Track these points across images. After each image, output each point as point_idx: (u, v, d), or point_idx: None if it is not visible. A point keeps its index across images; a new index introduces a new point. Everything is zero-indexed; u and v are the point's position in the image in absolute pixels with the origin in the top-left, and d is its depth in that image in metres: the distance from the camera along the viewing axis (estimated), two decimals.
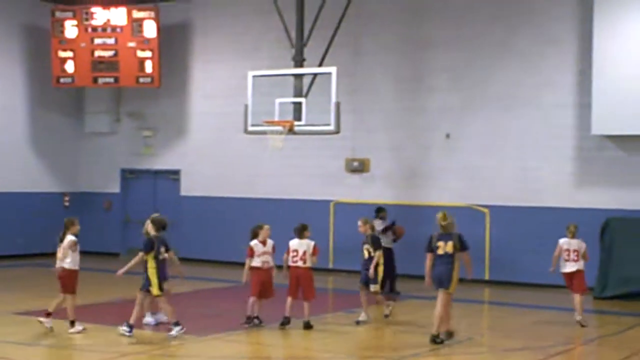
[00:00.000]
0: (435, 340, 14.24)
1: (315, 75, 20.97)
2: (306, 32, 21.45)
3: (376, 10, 23.85)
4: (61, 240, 14.62)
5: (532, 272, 21.80)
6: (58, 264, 14.59)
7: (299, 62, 21.47)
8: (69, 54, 25.81)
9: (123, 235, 27.85)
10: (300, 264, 15.25)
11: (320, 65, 21.24)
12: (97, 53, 25.71)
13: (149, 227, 14.74)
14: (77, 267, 14.69)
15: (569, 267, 17.16)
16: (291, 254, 15.24)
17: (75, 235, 14.69)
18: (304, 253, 15.22)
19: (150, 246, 14.37)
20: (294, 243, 15.31)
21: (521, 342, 14.76)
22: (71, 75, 25.88)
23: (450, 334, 14.58)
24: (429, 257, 14.55)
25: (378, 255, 16.03)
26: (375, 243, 16.16)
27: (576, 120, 21.53)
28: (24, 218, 25.71)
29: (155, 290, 14.39)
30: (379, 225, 20.19)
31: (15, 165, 26.32)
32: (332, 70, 20.02)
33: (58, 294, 14.67)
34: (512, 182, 22.21)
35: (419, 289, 20.38)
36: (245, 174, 25.60)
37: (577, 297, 16.96)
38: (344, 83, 21.62)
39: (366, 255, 16.14)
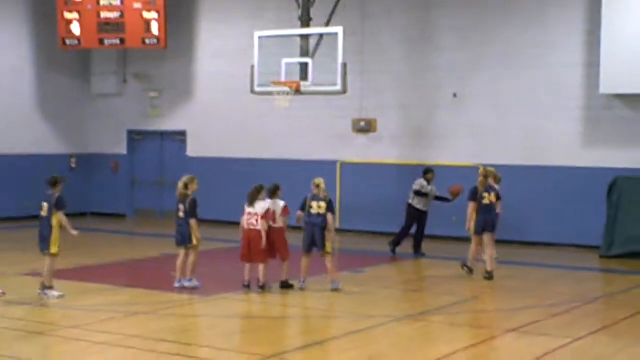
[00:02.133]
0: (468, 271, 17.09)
1: (321, 35, 20.87)
2: None
3: None
4: None
5: (540, 231, 21.85)
6: None
7: (306, 22, 21.37)
8: (75, 15, 25.73)
9: (130, 197, 27.94)
10: (271, 223, 15.16)
11: (327, 25, 21.15)
12: (103, 14, 25.60)
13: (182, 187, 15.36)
14: None
15: None
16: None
17: None
18: (274, 213, 15.15)
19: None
20: (269, 203, 15.17)
21: (528, 301, 14.78)
22: (77, 37, 25.81)
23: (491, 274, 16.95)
24: (472, 205, 16.95)
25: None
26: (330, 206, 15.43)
27: (584, 79, 21.43)
28: (31, 180, 25.72)
29: (53, 248, 14.31)
30: (417, 185, 20.03)
31: (22, 127, 26.34)
32: (339, 30, 19.90)
33: None
34: (520, 141, 22.16)
35: (431, 249, 20.49)
36: (251, 135, 25.58)
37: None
38: (350, 43, 21.53)
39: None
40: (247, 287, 15.18)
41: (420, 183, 20.08)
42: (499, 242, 20.46)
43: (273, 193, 15.32)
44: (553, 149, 21.83)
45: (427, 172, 20.21)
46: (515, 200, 21.76)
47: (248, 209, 15.10)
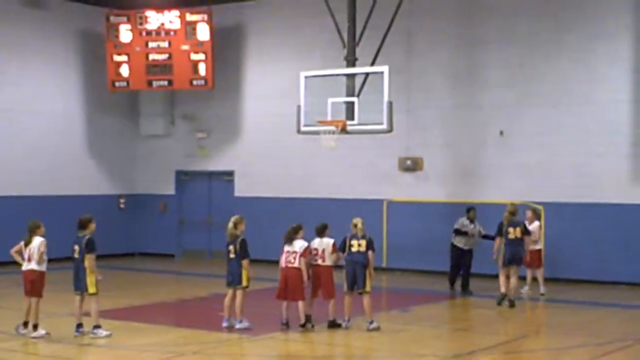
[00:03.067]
0: (501, 302, 17.93)
1: (367, 74, 20.96)
2: (358, 31, 21.44)
3: (428, 8, 23.80)
4: (27, 244, 14.54)
5: (588, 269, 21.62)
6: (27, 266, 14.52)
7: (351, 61, 21.46)
8: (124, 58, 26.09)
9: (178, 237, 28.08)
10: (319, 262, 15.28)
11: (372, 63, 21.21)
12: (152, 56, 25.95)
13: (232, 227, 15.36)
14: (45, 269, 14.65)
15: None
16: (312, 253, 15.28)
17: (43, 237, 14.68)
18: (323, 251, 15.26)
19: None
20: (315, 242, 15.35)
21: (577, 340, 14.61)
22: (126, 79, 26.15)
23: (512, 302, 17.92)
24: (498, 240, 18.32)
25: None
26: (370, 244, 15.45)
27: (632, 115, 21.28)
28: None
29: (90, 288, 14.43)
30: (458, 224, 20.24)
31: (72, 168, 26.66)
32: (384, 69, 19.95)
33: (27, 299, 14.51)
34: (568, 178, 22.00)
35: (479, 288, 20.36)
36: (298, 174, 25.67)
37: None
38: (396, 81, 21.59)
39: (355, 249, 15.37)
40: (286, 325, 15.25)
41: (461, 222, 20.21)
42: (549, 280, 20.38)
43: (321, 232, 15.43)
44: (601, 186, 21.64)
45: (469, 210, 20.44)
46: (565, 238, 21.61)
47: (287, 248, 15.23)
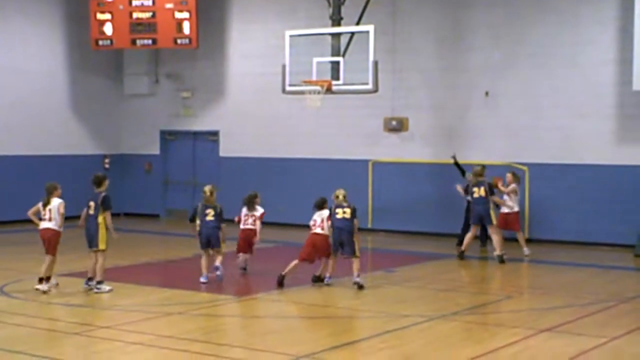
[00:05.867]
0: (462, 255, 19.24)
1: (352, 34, 20.86)
2: None
3: None
4: (45, 205, 14.84)
5: (572, 230, 21.70)
6: (46, 225, 14.85)
7: (337, 20, 21.36)
8: (107, 16, 25.87)
9: (163, 197, 28.04)
10: (319, 230, 15.74)
11: (357, 23, 21.13)
12: (135, 15, 25.72)
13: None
14: (62, 230, 14.99)
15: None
16: (311, 223, 15.87)
17: (60, 198, 14.99)
18: (322, 221, 15.74)
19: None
20: (316, 214, 15.87)
21: (561, 300, 14.70)
22: (110, 38, 25.95)
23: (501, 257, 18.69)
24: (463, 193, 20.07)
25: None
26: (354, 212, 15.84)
27: (617, 76, 21.26)
28: (65, 181, 25.68)
29: (101, 244, 14.87)
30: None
31: (56, 128, 26.53)
32: (370, 28, 19.87)
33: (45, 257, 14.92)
34: (552, 139, 22.01)
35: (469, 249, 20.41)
36: (284, 134, 25.60)
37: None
38: (382, 41, 21.51)
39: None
40: (244, 269, 16.78)
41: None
42: (532, 241, 20.46)
43: (321, 206, 15.93)
44: (586, 147, 21.66)
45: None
46: (549, 199, 21.67)
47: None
